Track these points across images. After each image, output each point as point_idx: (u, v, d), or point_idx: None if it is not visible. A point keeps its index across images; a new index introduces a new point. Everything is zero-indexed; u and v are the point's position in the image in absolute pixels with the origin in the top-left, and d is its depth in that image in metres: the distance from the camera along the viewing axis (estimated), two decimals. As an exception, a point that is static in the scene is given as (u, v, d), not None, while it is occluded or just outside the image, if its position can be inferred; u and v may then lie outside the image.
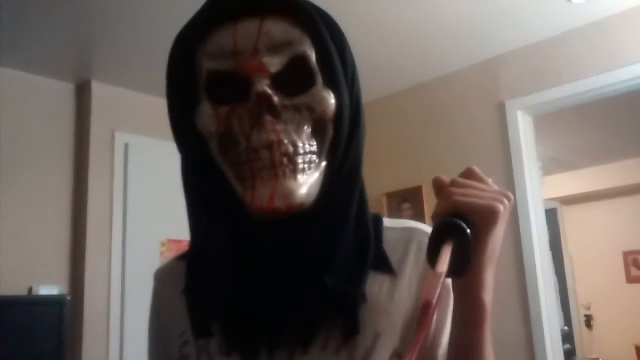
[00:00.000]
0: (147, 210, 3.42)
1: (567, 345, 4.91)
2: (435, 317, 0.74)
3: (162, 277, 0.86)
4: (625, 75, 2.88)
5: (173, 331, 0.78)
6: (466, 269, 0.58)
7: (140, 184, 3.45)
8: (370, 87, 3.45)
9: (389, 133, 3.73)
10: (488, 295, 0.63)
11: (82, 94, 3.43)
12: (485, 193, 0.60)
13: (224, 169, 0.70)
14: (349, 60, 0.75)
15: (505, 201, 0.61)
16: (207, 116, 0.70)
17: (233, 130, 0.69)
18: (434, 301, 0.50)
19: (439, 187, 0.63)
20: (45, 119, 3.31)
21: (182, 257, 0.82)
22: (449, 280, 0.66)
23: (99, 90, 3.42)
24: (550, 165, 5.62)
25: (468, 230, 0.57)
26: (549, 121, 3.90)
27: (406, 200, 3.64)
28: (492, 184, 0.63)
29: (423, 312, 0.50)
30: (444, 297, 0.72)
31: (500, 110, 3.28)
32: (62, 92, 3.40)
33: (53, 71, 3.27)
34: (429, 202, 3.48)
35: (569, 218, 6.85)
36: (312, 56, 0.71)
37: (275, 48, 0.69)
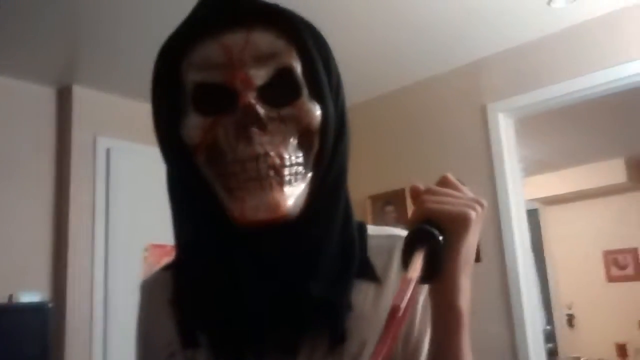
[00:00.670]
0: (130, 215, 3.39)
1: (550, 345, 4.95)
2: (417, 323, 0.75)
3: (148, 289, 0.86)
4: (605, 78, 2.92)
5: (160, 343, 0.78)
6: (438, 275, 0.60)
7: (122, 189, 3.42)
8: (353, 91, 3.45)
9: (372, 137, 3.75)
10: (464, 300, 0.63)
11: (64, 98, 3.40)
12: (457, 200, 0.62)
13: (210, 180, 0.71)
14: (334, 70, 0.76)
15: (478, 208, 0.62)
16: (193, 128, 0.70)
17: (219, 141, 0.69)
18: (402, 306, 0.51)
19: (415, 195, 0.64)
20: (27, 124, 3.27)
21: (168, 268, 0.82)
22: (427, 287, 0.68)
23: (81, 95, 3.39)
24: (532, 167, 5.67)
25: (440, 237, 0.58)
26: (530, 123, 3.94)
27: (389, 203, 3.66)
28: (467, 192, 0.65)
29: (390, 317, 0.51)
30: (425, 303, 0.73)
31: (482, 113, 3.31)
32: (44, 96, 3.37)
33: (34, 76, 3.24)
34: (413, 205, 3.48)
35: (550, 218, 6.92)
36: (298, 68, 0.71)
37: (261, 60, 0.69)
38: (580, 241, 6.61)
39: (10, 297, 2.98)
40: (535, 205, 6.65)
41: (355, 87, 3.54)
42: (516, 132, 3.37)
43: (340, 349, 0.69)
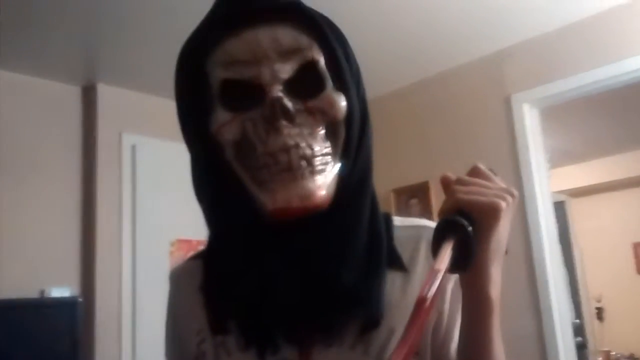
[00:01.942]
0: (156, 211, 3.43)
1: (579, 338, 4.88)
2: (447, 312, 0.76)
3: (178, 278, 0.88)
4: (631, 66, 2.86)
5: (190, 329, 0.79)
6: (468, 265, 0.60)
7: (148, 185, 3.46)
8: (375, 83, 3.44)
9: (394, 130, 3.72)
10: (494, 290, 0.64)
11: (89, 96, 3.45)
12: (488, 190, 0.62)
13: (240, 174, 0.72)
14: (353, 61, 0.78)
15: (509, 198, 0.62)
16: (222, 124, 0.71)
17: (248, 136, 0.71)
18: (429, 297, 0.51)
19: (446, 185, 0.64)
20: (53, 123, 3.33)
21: (196, 257, 0.84)
22: (457, 276, 0.68)
23: (106, 93, 3.43)
24: (558, 158, 5.59)
25: (470, 228, 0.58)
26: (557, 113, 3.88)
27: (414, 196, 3.64)
28: (498, 181, 0.65)
29: (417, 307, 0.51)
30: (455, 292, 0.74)
31: (507, 104, 3.27)
32: (69, 95, 3.41)
33: (59, 74, 3.29)
34: (437, 198, 3.47)
35: (577, 211, 6.81)
36: (321, 61, 0.73)
37: (285, 55, 0.71)
38: (609, 233, 6.50)
39: (42, 292, 3.05)
40: (562, 198, 6.55)
41: (378, 80, 3.52)
42: (541, 122, 3.32)
43: (369, 335, 0.70)
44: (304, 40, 0.72)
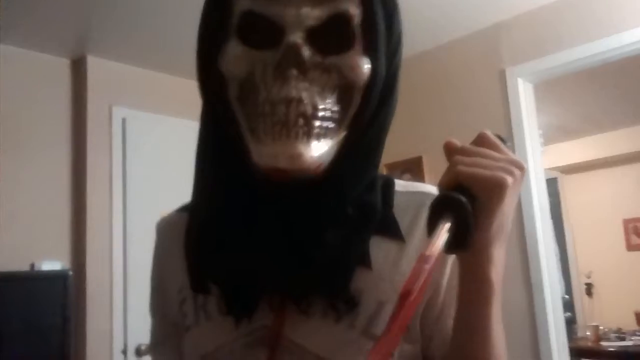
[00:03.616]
0: (147, 183, 3.41)
1: (568, 314, 4.94)
2: (444, 289, 0.71)
3: (163, 230, 0.84)
4: (627, 40, 2.83)
5: (172, 286, 0.77)
6: (466, 246, 0.54)
7: (139, 158, 3.44)
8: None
9: (388, 104, 3.69)
10: (495, 272, 0.59)
11: (79, 69, 3.40)
12: (493, 163, 0.56)
13: (238, 117, 0.66)
14: (396, 27, 0.71)
15: (516, 172, 0.56)
16: (232, 57, 0.66)
17: (255, 77, 0.65)
18: (416, 288, 0.46)
19: (449, 153, 0.59)
20: (42, 95, 3.28)
21: (184, 210, 0.80)
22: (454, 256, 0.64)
23: (96, 65, 3.39)
24: (552, 134, 5.59)
25: (468, 206, 0.53)
26: (550, 88, 3.86)
27: (407, 171, 3.63)
28: (507, 151, 0.58)
29: (400, 300, 0.46)
30: (455, 267, 0.68)
31: (501, 78, 3.24)
32: (58, 67, 3.37)
33: (48, 46, 3.23)
34: (430, 173, 3.46)
35: (569, 187, 6.84)
36: (356, 16, 0.65)
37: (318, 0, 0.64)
38: (600, 209, 6.53)
39: (32, 265, 3.03)
40: (555, 174, 6.57)
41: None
42: (536, 98, 3.30)
43: (356, 308, 0.66)
44: None
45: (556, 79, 3.31)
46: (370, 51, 0.66)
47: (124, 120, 3.43)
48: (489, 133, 0.59)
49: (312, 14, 0.64)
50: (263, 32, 0.65)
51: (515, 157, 0.58)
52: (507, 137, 0.62)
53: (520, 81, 3.19)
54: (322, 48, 0.64)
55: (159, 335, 0.83)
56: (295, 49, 0.63)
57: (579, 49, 2.97)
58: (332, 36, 0.65)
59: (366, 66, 0.65)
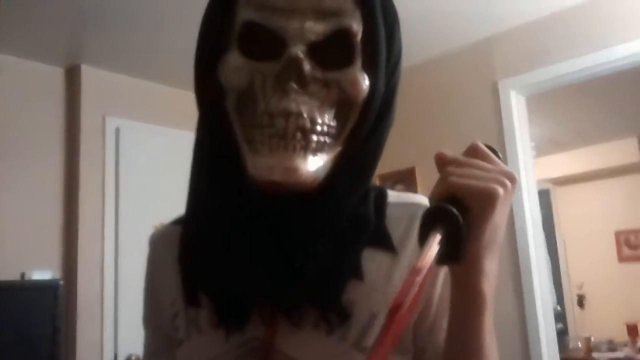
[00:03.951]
0: (140, 194, 3.40)
1: (560, 325, 4.95)
2: (436, 300, 0.71)
3: (156, 243, 0.84)
4: (616, 55, 2.86)
5: (165, 298, 0.77)
6: (458, 258, 0.54)
7: (132, 168, 3.43)
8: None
9: (382, 115, 3.70)
10: (487, 284, 0.59)
11: (72, 78, 3.39)
12: (485, 174, 0.56)
13: (235, 128, 0.66)
14: (397, 44, 0.71)
15: (507, 183, 0.56)
16: (232, 67, 0.65)
17: (254, 89, 0.65)
18: (406, 302, 0.45)
19: (440, 164, 0.59)
20: (35, 104, 3.27)
21: (178, 222, 0.79)
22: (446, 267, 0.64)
23: (89, 75, 3.38)
24: (544, 146, 5.62)
25: (460, 217, 0.52)
26: (542, 102, 3.89)
27: (400, 181, 3.64)
28: (498, 163, 0.58)
29: (391, 314, 0.45)
30: (447, 278, 0.68)
31: (494, 91, 3.27)
32: (52, 76, 3.36)
33: (42, 55, 3.23)
34: (423, 184, 3.47)
35: (561, 199, 6.87)
36: (359, 33, 0.66)
37: (322, 14, 0.64)
38: (591, 221, 6.56)
39: (22, 274, 3.01)
40: (547, 186, 6.60)
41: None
42: (528, 110, 3.32)
43: (348, 320, 0.66)
44: (347, 4, 0.65)
45: (547, 92, 3.34)
46: (371, 67, 0.66)
47: (117, 130, 3.43)
48: (481, 144, 0.59)
49: (315, 29, 0.64)
50: (264, 44, 0.65)
51: (507, 168, 0.58)
52: (500, 149, 0.62)
53: (513, 94, 3.21)
54: (322, 62, 0.64)
55: (152, 347, 0.83)
56: (296, 62, 0.63)
57: (569, 63, 3.00)
58: (334, 51, 0.65)
59: (366, 82, 0.66)
